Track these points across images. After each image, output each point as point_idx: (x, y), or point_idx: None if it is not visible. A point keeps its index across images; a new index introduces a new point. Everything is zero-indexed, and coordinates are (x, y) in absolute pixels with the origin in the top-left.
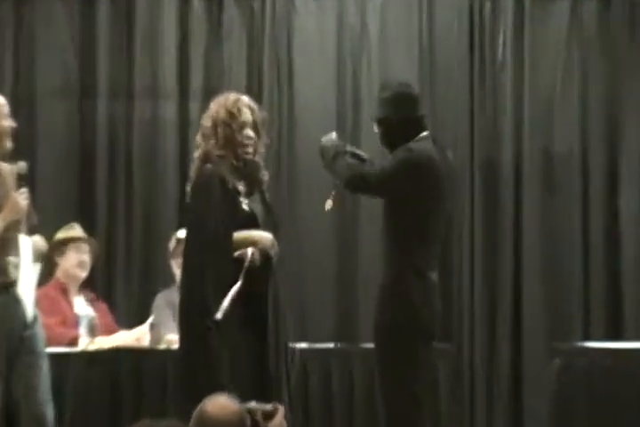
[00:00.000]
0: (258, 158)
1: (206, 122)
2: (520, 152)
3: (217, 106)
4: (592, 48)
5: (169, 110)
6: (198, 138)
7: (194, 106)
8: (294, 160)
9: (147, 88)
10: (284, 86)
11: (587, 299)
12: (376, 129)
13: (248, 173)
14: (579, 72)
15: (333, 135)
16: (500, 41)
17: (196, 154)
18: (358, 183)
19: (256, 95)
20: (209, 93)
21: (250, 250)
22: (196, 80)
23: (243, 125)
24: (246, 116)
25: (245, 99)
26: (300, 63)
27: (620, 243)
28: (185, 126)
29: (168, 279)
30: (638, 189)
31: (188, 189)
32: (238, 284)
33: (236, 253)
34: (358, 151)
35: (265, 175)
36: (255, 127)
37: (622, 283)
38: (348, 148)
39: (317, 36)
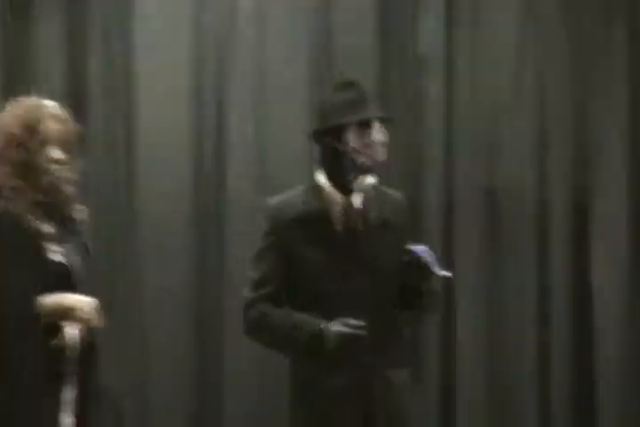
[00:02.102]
0: (69, 188)
1: None
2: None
3: (9, 117)
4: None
5: None
6: None
7: None
8: (134, 191)
9: None
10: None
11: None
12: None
13: (57, 209)
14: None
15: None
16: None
17: None
18: None
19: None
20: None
21: (68, 331)
22: None
23: (44, 144)
24: (51, 130)
25: (51, 106)
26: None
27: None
28: None
29: None
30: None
31: None
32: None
33: (53, 343)
34: None
35: (80, 212)
36: (65, 146)
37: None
38: None
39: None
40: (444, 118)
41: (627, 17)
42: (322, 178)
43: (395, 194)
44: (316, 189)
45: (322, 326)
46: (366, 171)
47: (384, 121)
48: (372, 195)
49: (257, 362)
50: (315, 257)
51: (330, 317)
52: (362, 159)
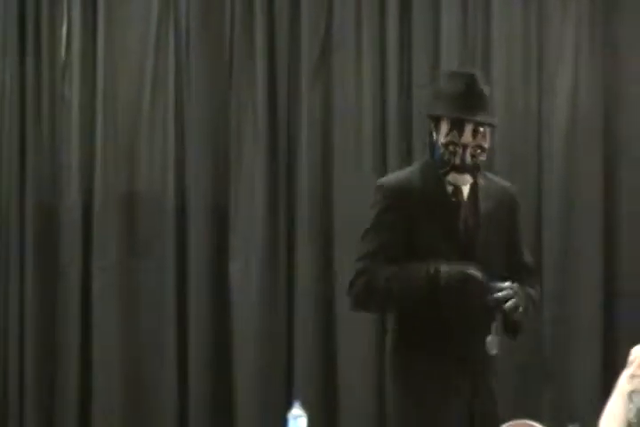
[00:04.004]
0: None
1: None
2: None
3: None
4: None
5: None
6: None
7: None
8: None
9: None
10: None
11: None
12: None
13: None
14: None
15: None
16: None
17: None
18: None
19: None
20: None
21: None
22: None
23: None
24: None
25: None
26: None
27: None
28: None
29: None
30: None
31: None
32: None
33: None
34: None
35: None
36: None
37: None
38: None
39: None
40: (80, 124)
41: (266, 25)
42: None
43: (506, 185)
44: (430, 170)
45: (437, 266)
46: (453, 169)
47: (482, 125)
48: (480, 187)
49: None
50: (431, 235)
51: None
52: (447, 156)
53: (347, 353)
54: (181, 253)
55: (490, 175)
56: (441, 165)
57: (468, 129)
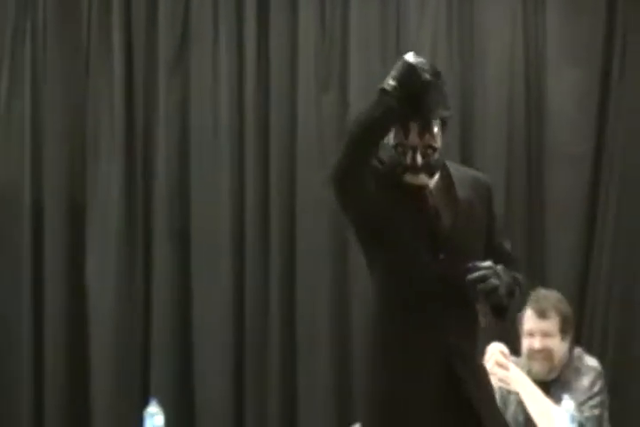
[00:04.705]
0: None
1: None
2: None
3: None
4: None
5: None
6: None
7: None
8: None
9: None
10: None
11: None
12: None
13: None
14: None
15: None
16: None
17: None
18: None
19: None
20: None
21: None
22: None
23: None
24: None
25: None
26: None
27: None
28: None
29: None
30: None
31: None
32: None
33: None
34: None
35: None
36: None
37: None
38: None
39: None
40: None
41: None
42: None
43: (479, 174)
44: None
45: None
46: (406, 170)
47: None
48: (454, 175)
49: None
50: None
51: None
52: (397, 158)
53: (203, 352)
54: (37, 253)
55: (461, 166)
56: (395, 166)
57: (414, 129)
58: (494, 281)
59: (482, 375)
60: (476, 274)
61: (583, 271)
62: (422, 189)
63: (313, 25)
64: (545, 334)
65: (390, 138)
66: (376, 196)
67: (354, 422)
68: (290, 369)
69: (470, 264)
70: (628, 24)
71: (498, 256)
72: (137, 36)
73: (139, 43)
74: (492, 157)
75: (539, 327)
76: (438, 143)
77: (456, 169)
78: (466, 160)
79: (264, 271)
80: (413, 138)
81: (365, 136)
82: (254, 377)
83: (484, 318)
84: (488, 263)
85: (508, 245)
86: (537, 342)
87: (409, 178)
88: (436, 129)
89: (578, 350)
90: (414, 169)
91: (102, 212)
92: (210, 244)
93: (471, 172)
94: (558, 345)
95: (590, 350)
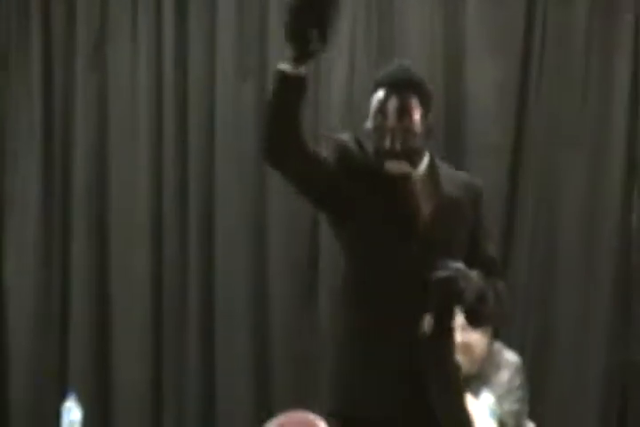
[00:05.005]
0: None
1: None
2: None
3: None
4: None
5: None
6: None
7: None
8: None
9: None
10: None
11: None
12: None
13: None
14: None
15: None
16: None
17: None
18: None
19: None
20: None
21: None
22: None
23: None
24: None
25: None
26: None
27: None
28: None
29: None
30: None
31: None
32: None
33: None
34: None
35: None
36: None
37: None
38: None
39: None
40: None
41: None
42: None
43: (473, 178)
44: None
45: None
46: (385, 155)
47: (402, 98)
48: (442, 171)
49: None
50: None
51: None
52: (376, 142)
53: (122, 347)
54: None
55: (455, 170)
56: (375, 153)
57: (392, 107)
58: (460, 284)
59: (449, 371)
60: (443, 274)
61: (502, 266)
62: (405, 177)
63: (232, 16)
64: (464, 329)
65: (369, 121)
66: (338, 174)
67: (273, 404)
68: (208, 349)
69: (440, 262)
70: (547, 13)
71: (480, 264)
72: (56, 31)
73: (57, 38)
74: None
75: (458, 321)
76: (418, 128)
77: (448, 168)
78: None
79: (182, 262)
80: (392, 120)
81: (273, 107)
82: (172, 357)
83: (426, 326)
84: (459, 264)
85: (493, 253)
86: (457, 337)
87: (390, 166)
88: (417, 115)
89: (497, 345)
90: (393, 153)
91: (21, 210)
92: (127, 237)
93: (464, 175)
94: (478, 340)
95: (510, 345)
